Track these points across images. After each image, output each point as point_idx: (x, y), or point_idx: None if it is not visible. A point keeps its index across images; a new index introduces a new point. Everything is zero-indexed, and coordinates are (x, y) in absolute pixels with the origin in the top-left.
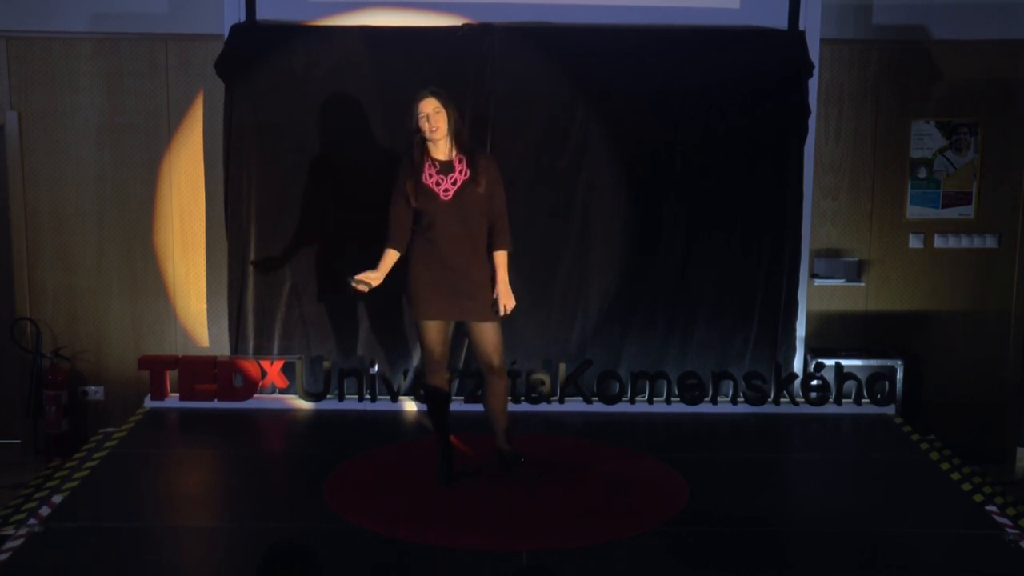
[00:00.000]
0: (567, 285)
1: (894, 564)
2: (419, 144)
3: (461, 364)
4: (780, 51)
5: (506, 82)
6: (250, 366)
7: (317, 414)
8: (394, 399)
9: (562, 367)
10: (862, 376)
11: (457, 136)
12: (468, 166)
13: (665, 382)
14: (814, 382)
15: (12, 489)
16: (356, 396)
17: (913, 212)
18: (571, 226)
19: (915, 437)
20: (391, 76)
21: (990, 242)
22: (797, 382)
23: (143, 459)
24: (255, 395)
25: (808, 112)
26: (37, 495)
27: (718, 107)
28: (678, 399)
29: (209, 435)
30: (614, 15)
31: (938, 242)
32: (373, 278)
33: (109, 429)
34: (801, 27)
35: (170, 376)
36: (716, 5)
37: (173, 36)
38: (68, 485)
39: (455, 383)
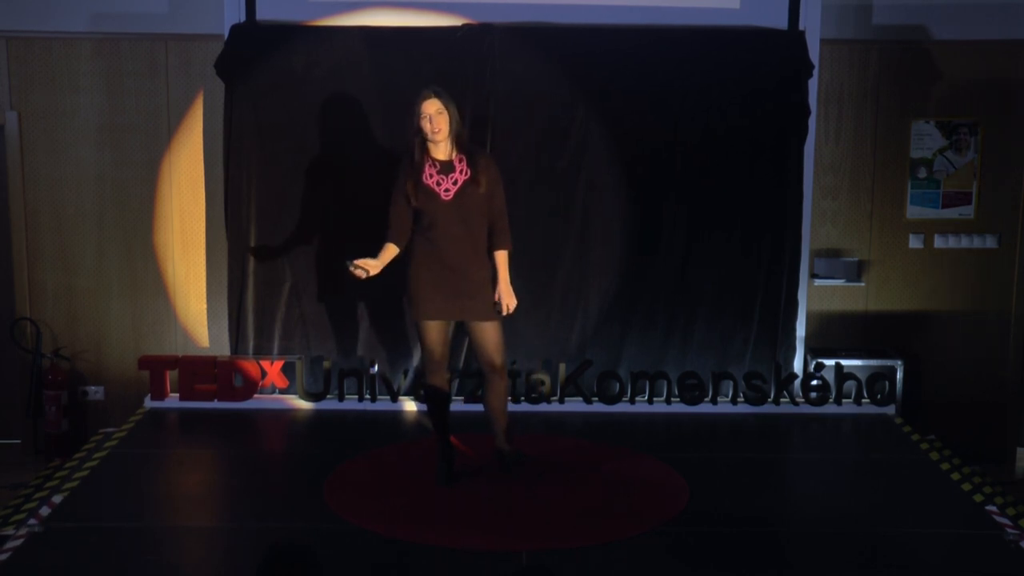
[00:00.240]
0: (567, 285)
1: (894, 564)
2: (419, 144)
3: (461, 364)
4: (780, 51)
5: (506, 82)
6: (250, 366)
7: (317, 414)
8: (394, 399)
9: (562, 367)
10: (862, 376)
11: (458, 136)
12: (468, 166)
13: (665, 382)
14: (814, 382)
15: (12, 489)
16: (356, 396)
17: (913, 212)
18: (571, 226)
19: (915, 437)
20: (391, 76)
21: (990, 242)
22: (797, 382)
23: (143, 459)
24: (255, 395)
25: (808, 112)
26: (37, 495)
27: (718, 107)
28: (678, 399)
29: (209, 435)
30: (614, 15)
31: (938, 242)
32: (372, 266)
33: (109, 429)
34: (801, 27)
35: (170, 376)
36: (716, 5)
37: (173, 36)
38: (68, 485)
39: (455, 383)
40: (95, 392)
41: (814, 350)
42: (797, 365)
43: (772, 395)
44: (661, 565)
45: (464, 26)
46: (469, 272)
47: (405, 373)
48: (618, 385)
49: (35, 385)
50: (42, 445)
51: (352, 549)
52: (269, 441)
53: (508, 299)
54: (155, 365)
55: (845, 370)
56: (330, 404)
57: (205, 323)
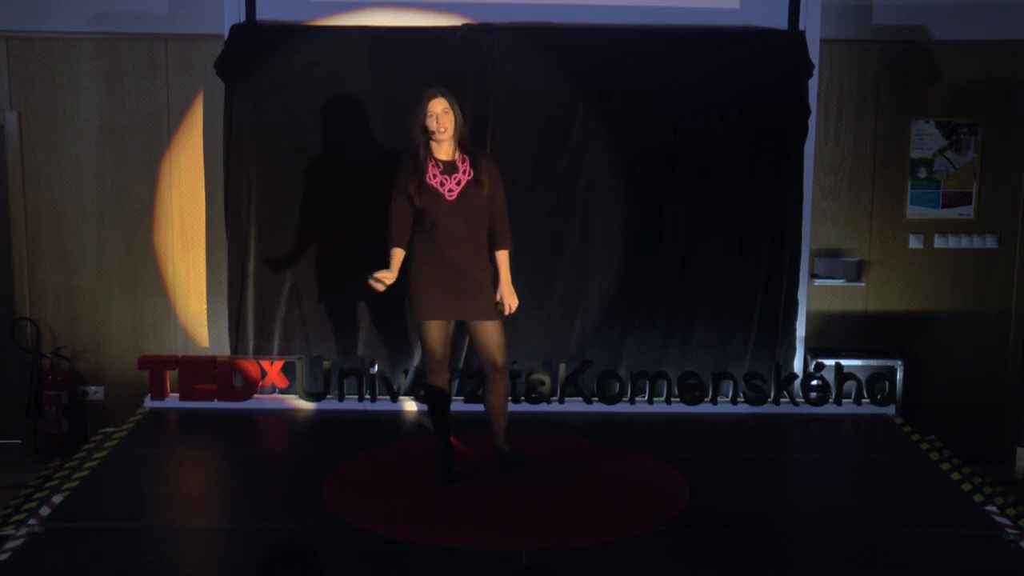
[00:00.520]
0: (567, 285)
1: (894, 564)
2: (423, 144)
3: (461, 364)
4: (780, 51)
5: (506, 82)
6: (250, 366)
7: (317, 414)
8: (394, 399)
9: (562, 367)
10: (862, 376)
11: (461, 137)
12: (471, 166)
13: (665, 382)
14: (814, 382)
15: (12, 489)
16: (356, 396)
17: (913, 212)
18: (571, 226)
19: (915, 437)
20: (391, 76)
21: (990, 242)
22: (797, 382)
23: (143, 459)
24: (255, 395)
25: (808, 112)
26: (37, 495)
27: (718, 107)
28: (678, 399)
29: (209, 435)
30: (614, 15)
31: (938, 242)
32: (389, 277)
33: (109, 429)
34: (801, 27)
35: (170, 376)
36: (716, 5)
37: (173, 36)
38: (68, 485)
39: (455, 383)
40: (95, 392)
41: (814, 350)
42: (797, 365)
43: (772, 395)
44: (661, 565)
45: (464, 26)
46: (471, 272)
47: (405, 373)
48: (618, 385)
49: (35, 385)
50: (42, 445)
51: (352, 549)
52: (269, 441)
53: (510, 299)
54: (155, 365)
55: (845, 370)
56: (330, 404)
57: (205, 323)
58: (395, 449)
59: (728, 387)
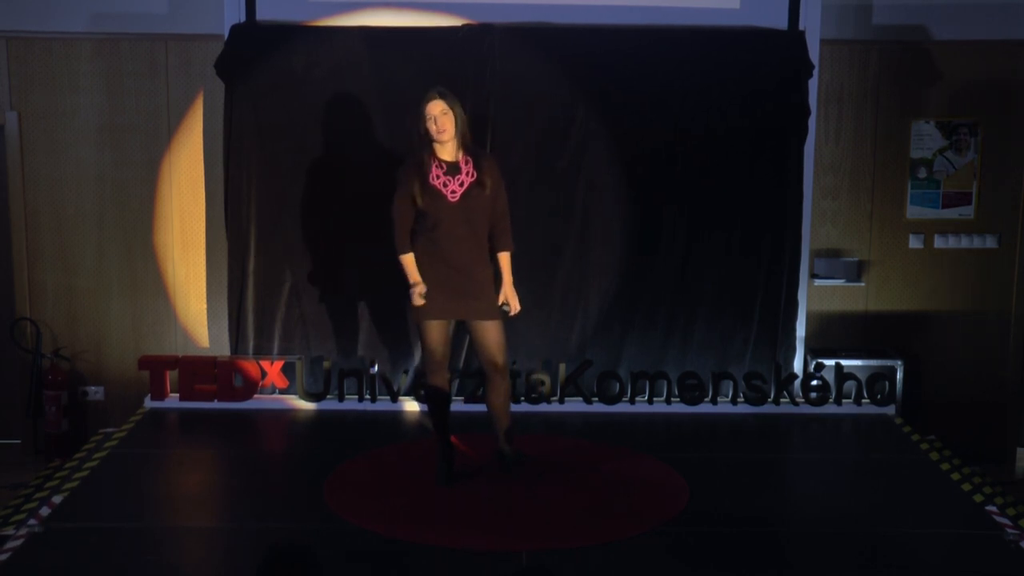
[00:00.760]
0: (567, 285)
1: (894, 564)
2: (426, 145)
3: (461, 364)
4: (780, 51)
5: (506, 82)
6: (250, 366)
7: (317, 414)
8: (394, 399)
9: (562, 367)
10: (862, 376)
11: (463, 138)
12: (475, 168)
13: (665, 382)
14: (814, 382)
15: (12, 489)
16: (356, 396)
17: (913, 212)
18: (571, 226)
19: (915, 437)
20: (391, 76)
21: (990, 242)
22: (797, 382)
23: (143, 459)
24: (255, 395)
25: (808, 112)
26: (37, 495)
27: (718, 107)
28: (678, 399)
29: (209, 435)
30: (614, 15)
31: (938, 242)
32: (422, 287)
33: (109, 429)
34: (801, 27)
35: (170, 376)
36: (716, 5)
37: (173, 36)
38: (68, 485)
39: (455, 383)
40: (95, 392)
41: (814, 350)
42: (797, 365)
43: (772, 395)
44: (661, 565)
45: (464, 26)
46: (472, 272)
47: (405, 373)
48: (618, 385)
49: (35, 385)
50: (42, 445)
51: (352, 549)
52: (269, 441)
53: (513, 300)
54: (155, 365)
55: (845, 370)
56: (330, 404)
57: (205, 323)
58: (395, 449)
59: (728, 387)
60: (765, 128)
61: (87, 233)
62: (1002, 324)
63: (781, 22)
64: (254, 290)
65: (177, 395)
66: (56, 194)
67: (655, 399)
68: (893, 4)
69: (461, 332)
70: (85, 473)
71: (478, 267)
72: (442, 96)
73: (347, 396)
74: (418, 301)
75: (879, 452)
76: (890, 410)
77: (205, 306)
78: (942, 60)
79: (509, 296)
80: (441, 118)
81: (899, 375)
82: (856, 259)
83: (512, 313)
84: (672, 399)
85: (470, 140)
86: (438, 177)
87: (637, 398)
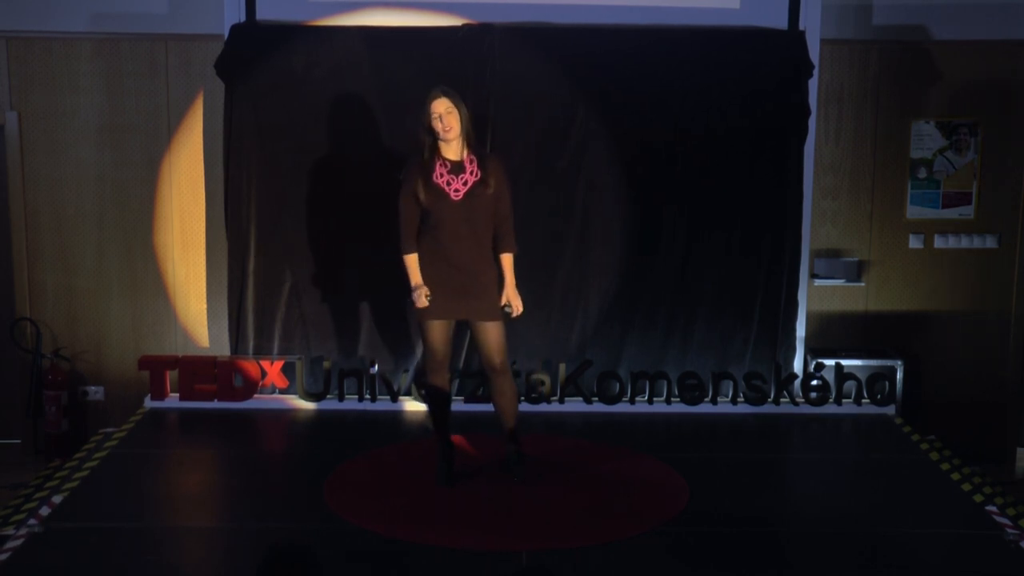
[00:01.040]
0: (567, 285)
1: (894, 564)
2: (430, 144)
3: (461, 364)
4: (780, 51)
5: (506, 82)
6: (250, 366)
7: (317, 414)
8: (394, 399)
9: (562, 367)
10: (862, 376)
11: (468, 137)
12: (479, 167)
13: (665, 382)
14: (814, 382)
15: (12, 489)
16: (356, 396)
17: (913, 212)
18: (571, 226)
19: (915, 437)
20: (391, 76)
21: (990, 242)
22: (797, 382)
23: (143, 459)
24: (255, 395)
25: (808, 112)
26: (37, 495)
27: (718, 107)
28: (678, 399)
29: (209, 435)
30: (614, 15)
31: (938, 242)
32: (425, 289)
33: (109, 429)
34: (801, 27)
35: (170, 376)
36: (716, 5)
37: (173, 36)
38: (68, 485)
39: (455, 383)
40: (95, 392)
41: (814, 350)
42: (797, 365)
43: (772, 395)
44: (661, 565)
45: (464, 26)
46: (475, 272)
47: (405, 373)
48: (618, 385)
49: (35, 385)
50: (42, 445)
51: (352, 549)
52: (269, 441)
53: (515, 301)
54: (155, 365)
55: (845, 370)
56: (330, 404)
57: (205, 323)
58: (395, 449)
59: (728, 387)
60: (765, 128)
61: (87, 233)
62: (1002, 324)
63: (781, 22)
64: (254, 290)
65: (177, 395)
66: (56, 194)
67: (655, 399)
68: (893, 4)
69: (461, 332)
70: (85, 473)
71: (481, 267)
72: (447, 94)
73: (347, 396)
74: (422, 303)
75: (879, 452)
76: (890, 410)
77: (205, 306)
78: (942, 60)
79: (511, 297)
80: (446, 116)
81: (899, 375)
82: (856, 259)
83: (514, 315)
84: (672, 399)
85: (475, 140)
86: (442, 176)
87: (637, 398)
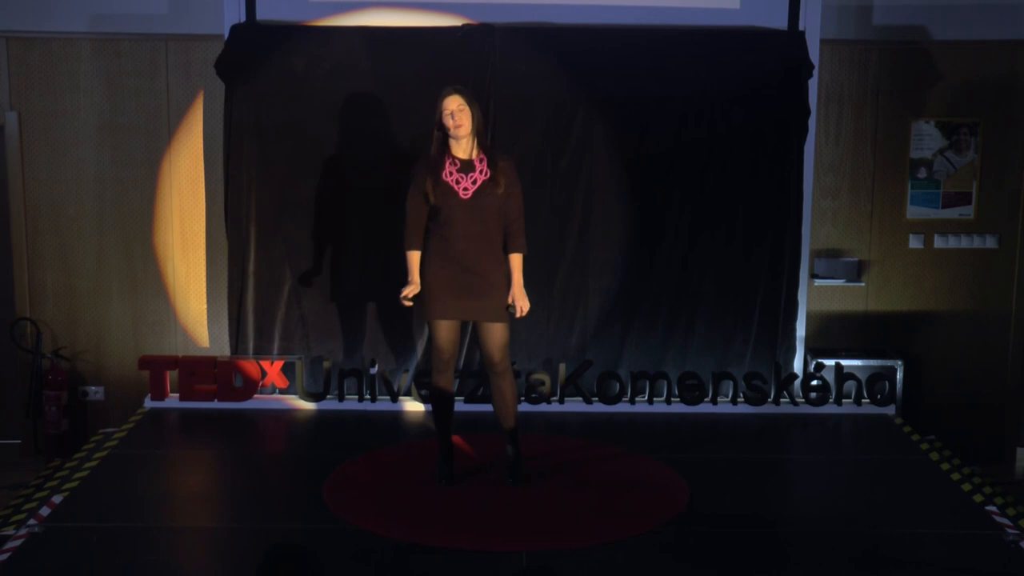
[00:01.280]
0: (567, 285)
1: (894, 564)
2: (440, 141)
3: (461, 363)
4: (780, 51)
5: (506, 82)
6: (250, 366)
7: (317, 414)
8: (394, 399)
9: (562, 367)
10: (862, 376)
11: (479, 136)
12: (488, 167)
13: (665, 382)
14: (814, 382)
15: (12, 489)
16: (356, 396)
17: (913, 212)
18: (571, 226)
19: (915, 437)
20: (391, 76)
21: (990, 242)
22: (797, 382)
23: (143, 459)
24: (255, 395)
25: (808, 112)
26: (37, 495)
27: (718, 107)
28: (678, 399)
29: (209, 435)
30: (614, 15)
31: (938, 242)
32: (414, 290)
33: (109, 429)
34: (801, 27)
35: (170, 376)
36: (716, 5)
37: (173, 36)
38: (68, 485)
39: (455, 383)
40: (95, 392)
41: (814, 350)
42: (797, 365)
43: (772, 395)
44: (661, 565)
45: (464, 26)
46: (484, 272)
47: (405, 373)
48: (618, 385)
49: (35, 385)
50: (42, 445)
51: (352, 549)
52: (269, 441)
53: (522, 302)
54: (155, 365)
55: (845, 370)
56: (330, 404)
57: (205, 323)
58: (395, 449)
59: (728, 387)
60: (765, 128)
61: (87, 233)
62: (1002, 324)
63: (781, 22)
64: (254, 290)
65: (177, 395)
66: (56, 194)
67: (655, 399)
68: (893, 4)
69: (462, 329)
70: (85, 473)
71: (490, 267)
72: (460, 92)
73: (347, 396)
74: (404, 299)
75: (879, 452)
76: (890, 410)
77: (205, 306)
78: (942, 60)
79: (518, 297)
80: (458, 113)
81: (899, 375)
82: (856, 259)
83: (519, 315)
84: (672, 399)
85: (486, 139)
86: (451, 174)
87: (637, 398)
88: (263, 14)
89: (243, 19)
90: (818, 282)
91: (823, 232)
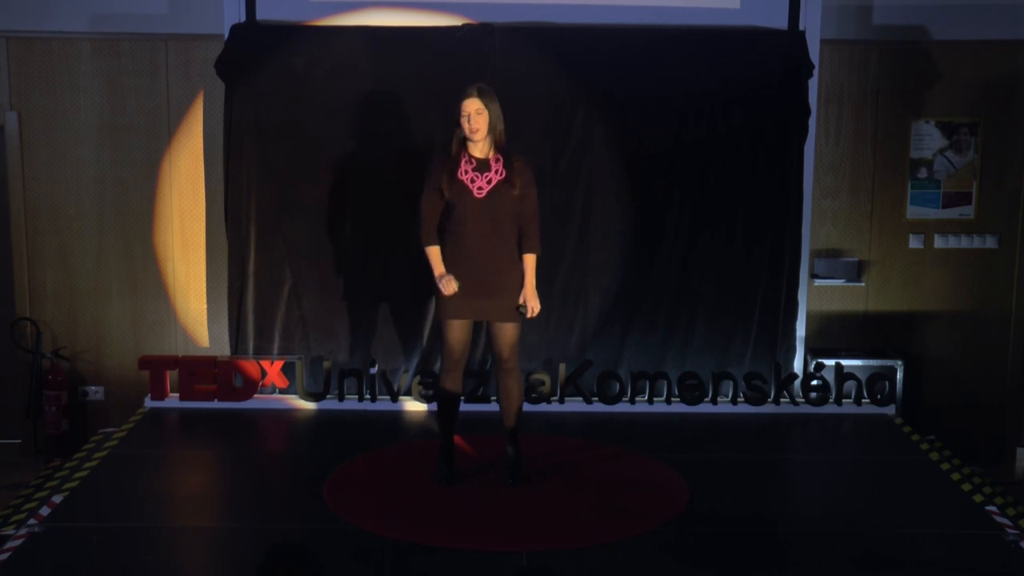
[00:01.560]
0: (567, 285)
1: (894, 564)
2: (458, 139)
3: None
4: (780, 51)
5: (506, 82)
6: (250, 366)
7: (317, 414)
8: (394, 399)
9: (562, 367)
10: (862, 376)
11: (497, 137)
12: (504, 167)
13: (665, 382)
14: (814, 382)
15: (12, 489)
16: (356, 396)
17: (913, 212)
18: (571, 226)
19: (915, 437)
20: (391, 76)
21: (990, 242)
22: (797, 382)
23: (143, 459)
24: (255, 395)
25: (808, 112)
26: (37, 495)
27: (718, 107)
28: (678, 399)
29: (209, 435)
30: (614, 15)
31: (938, 242)
32: (451, 280)
33: (109, 429)
34: (801, 27)
35: (170, 376)
36: (716, 5)
37: (173, 36)
38: (68, 485)
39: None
40: (95, 392)
41: (814, 350)
42: (797, 365)
43: (772, 395)
44: (661, 565)
45: (464, 26)
46: (497, 272)
47: (405, 373)
48: (618, 385)
49: (35, 385)
50: (42, 445)
51: (352, 549)
52: (269, 441)
53: (533, 302)
54: (155, 365)
55: (845, 370)
56: (330, 404)
57: (205, 323)
58: (395, 449)
59: (728, 387)
60: (765, 128)
61: (87, 233)
62: (1002, 324)
63: (781, 22)
64: (254, 290)
65: (177, 395)
66: (56, 194)
67: (655, 399)
68: (893, 4)
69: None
70: (85, 473)
71: (503, 267)
72: (480, 94)
73: (347, 396)
74: (452, 288)
75: (879, 452)
76: (890, 410)
77: (205, 306)
78: (942, 60)
79: (529, 298)
80: (475, 116)
81: (899, 375)
82: (856, 259)
83: (529, 315)
84: (672, 399)
85: (504, 140)
86: (466, 172)
87: (637, 398)
88: (263, 14)
89: (243, 19)
90: (818, 282)
91: (823, 232)
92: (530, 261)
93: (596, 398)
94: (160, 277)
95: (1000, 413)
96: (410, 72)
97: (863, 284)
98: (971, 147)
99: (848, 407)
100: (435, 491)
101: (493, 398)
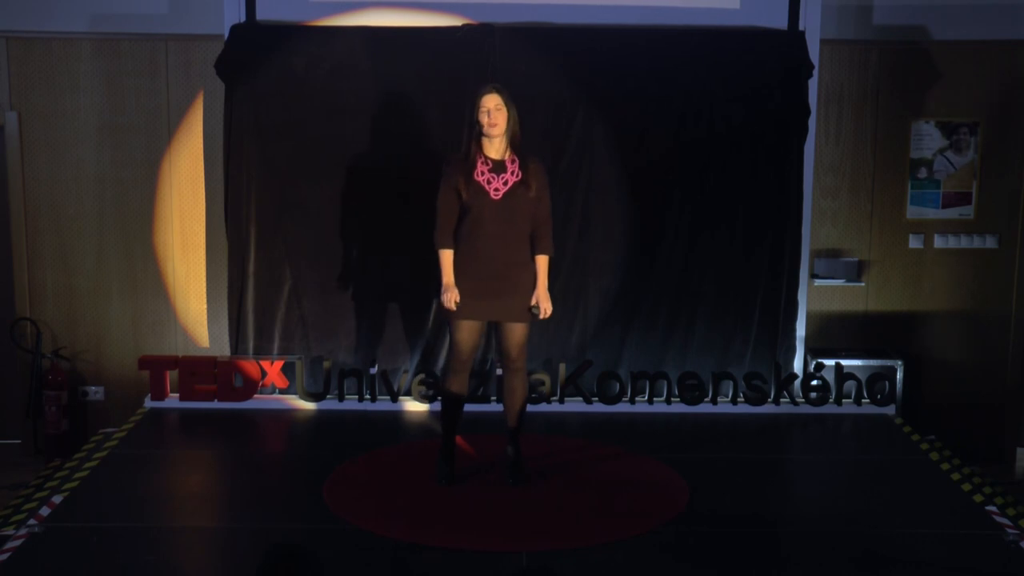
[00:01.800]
0: (567, 285)
1: (894, 564)
2: (475, 140)
3: None
4: (780, 51)
5: (506, 82)
6: (250, 366)
7: (317, 414)
8: (394, 399)
9: (562, 367)
10: (862, 376)
11: (513, 138)
12: (520, 168)
13: (665, 382)
14: (814, 382)
15: (12, 489)
16: (356, 396)
17: (913, 212)
18: (572, 226)
19: (915, 437)
20: (391, 76)
21: (990, 242)
22: (797, 382)
23: (143, 459)
24: (255, 395)
25: (808, 112)
26: (37, 495)
27: (718, 107)
28: (678, 399)
29: (209, 435)
30: (614, 15)
31: (938, 242)
32: (455, 296)
33: (109, 429)
34: (801, 27)
35: (170, 376)
36: (716, 5)
37: (173, 36)
38: (68, 485)
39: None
40: (95, 392)
41: (814, 350)
42: (797, 365)
43: (772, 395)
44: (661, 565)
45: (464, 26)
46: (510, 273)
47: (405, 373)
48: (618, 385)
49: (35, 385)
50: (42, 445)
51: (352, 549)
52: (269, 441)
53: (546, 303)
54: (155, 365)
55: (845, 370)
56: (330, 404)
57: (205, 323)
58: (395, 449)
59: (728, 387)
60: (765, 128)
61: (87, 233)
62: (1002, 324)
63: (781, 22)
64: (254, 290)
65: (177, 395)
66: (56, 194)
67: (655, 399)
68: (893, 4)
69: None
70: (85, 473)
71: (516, 268)
72: (499, 91)
73: (347, 396)
74: (450, 306)
75: (879, 452)
76: (890, 410)
77: (205, 306)
78: (942, 60)
79: (542, 299)
80: (495, 112)
81: (899, 375)
82: (856, 259)
83: (541, 316)
84: (672, 399)
85: (519, 141)
86: (483, 173)
87: (637, 398)
88: (263, 14)
89: (243, 19)
90: (818, 282)
91: (823, 232)
92: (543, 262)
93: (596, 398)
94: (160, 277)
95: (1000, 413)
96: (410, 72)
97: (863, 284)
98: (971, 147)
99: (848, 407)
100: (435, 491)
101: (493, 398)
